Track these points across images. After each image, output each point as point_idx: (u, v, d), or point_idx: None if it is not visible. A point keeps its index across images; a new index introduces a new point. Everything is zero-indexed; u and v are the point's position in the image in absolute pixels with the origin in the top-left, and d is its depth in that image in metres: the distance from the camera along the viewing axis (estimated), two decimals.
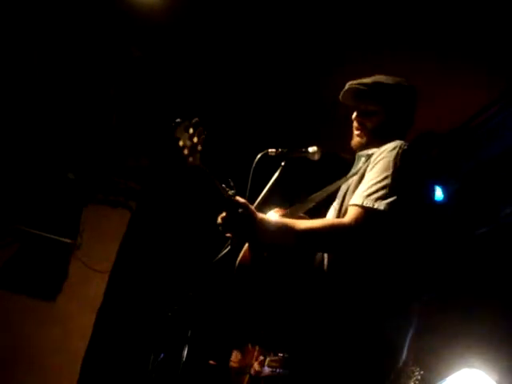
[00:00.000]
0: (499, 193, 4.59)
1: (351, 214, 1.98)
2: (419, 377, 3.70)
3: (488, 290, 4.49)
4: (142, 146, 5.94)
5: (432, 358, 4.17)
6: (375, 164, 2.09)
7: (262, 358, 4.28)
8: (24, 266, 5.68)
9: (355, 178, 2.17)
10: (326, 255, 2.10)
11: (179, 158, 1.91)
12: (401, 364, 2.03)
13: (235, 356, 4.77)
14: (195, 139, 1.95)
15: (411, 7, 3.77)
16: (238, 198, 1.99)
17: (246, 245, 2.18)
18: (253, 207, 2.02)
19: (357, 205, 1.98)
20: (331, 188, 2.31)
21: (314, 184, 2.47)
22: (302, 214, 2.28)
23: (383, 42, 4.13)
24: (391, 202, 1.96)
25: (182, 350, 3.27)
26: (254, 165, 2.41)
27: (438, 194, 4.95)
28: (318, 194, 2.30)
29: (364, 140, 2.38)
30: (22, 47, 4.74)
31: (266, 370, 4.09)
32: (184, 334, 3.33)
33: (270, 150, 2.45)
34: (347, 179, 2.27)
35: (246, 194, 2.25)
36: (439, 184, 4.98)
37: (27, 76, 5.07)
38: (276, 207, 2.26)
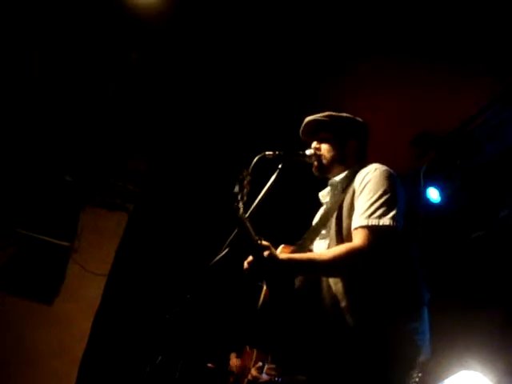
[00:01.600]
0: (496, 195, 4.60)
1: (360, 236, 2.08)
2: (417, 379, 3.69)
3: (486, 293, 4.49)
4: (140, 149, 5.95)
5: (430, 360, 4.17)
6: (364, 187, 2.20)
7: (260, 364, 4.28)
8: (21, 268, 5.68)
9: (344, 204, 2.25)
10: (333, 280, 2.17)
11: (232, 206, 2.04)
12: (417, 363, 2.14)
13: (234, 358, 4.77)
14: (245, 190, 2.11)
15: (410, 10, 3.78)
16: (263, 242, 2.09)
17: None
18: (275, 251, 2.12)
19: (363, 226, 2.09)
20: (321, 222, 2.39)
21: (311, 186, 2.47)
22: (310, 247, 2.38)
23: (381, 46, 4.14)
24: (394, 216, 2.09)
25: (180, 352, 3.27)
26: (251, 167, 2.41)
27: (435, 196, 4.96)
28: (312, 228, 2.41)
29: (325, 167, 2.51)
30: (21, 49, 4.74)
31: (265, 376, 4.09)
32: (182, 336, 3.32)
33: (267, 153, 2.45)
34: (332, 207, 2.34)
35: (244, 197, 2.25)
36: (437, 186, 4.99)
37: (25, 78, 5.06)
38: (282, 244, 2.40)
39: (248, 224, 2.08)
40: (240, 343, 4.82)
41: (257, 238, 2.08)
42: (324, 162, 2.51)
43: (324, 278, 2.19)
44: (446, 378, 4.09)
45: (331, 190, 2.49)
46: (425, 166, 5.02)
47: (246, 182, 2.11)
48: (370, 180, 2.21)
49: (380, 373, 2.02)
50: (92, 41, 4.58)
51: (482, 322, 4.25)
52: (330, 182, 2.49)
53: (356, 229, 2.11)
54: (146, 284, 5.80)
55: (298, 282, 2.21)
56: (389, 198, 2.14)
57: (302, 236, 2.44)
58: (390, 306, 2.08)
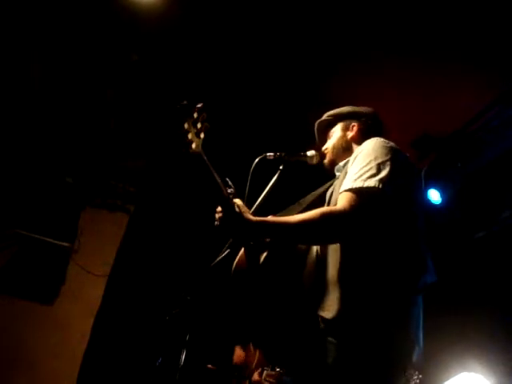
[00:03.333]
0: (498, 196, 4.59)
1: (342, 199, 1.94)
2: (418, 381, 3.68)
3: (487, 294, 4.49)
4: (140, 150, 5.94)
5: (431, 361, 4.17)
6: (355, 157, 2.11)
7: (260, 369, 4.29)
8: (22, 269, 5.67)
9: (340, 178, 2.18)
10: (321, 255, 2.06)
11: (182, 143, 1.91)
12: (414, 361, 1.92)
13: (238, 351, 4.78)
14: (199, 125, 1.99)
15: (411, 12, 3.78)
16: (235, 199, 2.00)
17: (242, 250, 2.17)
18: (246, 208, 2.02)
19: (347, 190, 1.96)
20: (320, 190, 2.33)
21: (311, 188, 2.47)
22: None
23: (383, 48, 4.14)
24: (382, 178, 1.94)
25: (180, 354, 3.26)
26: (252, 169, 2.41)
27: (437, 197, 4.96)
28: (308, 197, 2.31)
29: (330, 157, 2.50)
30: (20, 51, 4.74)
31: (264, 383, 4.10)
32: (182, 338, 3.32)
33: (268, 154, 2.45)
34: (333, 182, 2.29)
35: (244, 198, 2.25)
36: (438, 188, 4.99)
37: (25, 80, 5.06)
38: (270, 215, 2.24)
39: (212, 169, 1.97)
40: (244, 340, 4.82)
41: (228, 189, 2.00)
42: (328, 154, 2.51)
43: (313, 250, 2.08)
44: (447, 379, 4.09)
45: (336, 171, 2.45)
46: (426, 168, 5.01)
47: (200, 120, 1.98)
48: (363, 149, 2.11)
49: (365, 368, 1.84)
50: (91, 42, 4.57)
51: (483, 323, 4.25)
52: (337, 167, 2.45)
53: (341, 193, 1.98)
54: (147, 285, 5.80)
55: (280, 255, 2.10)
56: (380, 162, 2.00)
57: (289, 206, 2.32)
58: (377, 280, 1.90)
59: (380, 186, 1.91)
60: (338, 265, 1.96)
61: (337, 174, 2.42)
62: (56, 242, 5.70)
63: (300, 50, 4.38)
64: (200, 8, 4.14)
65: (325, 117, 2.61)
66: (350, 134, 2.49)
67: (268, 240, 2.12)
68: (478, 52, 3.95)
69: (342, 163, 2.41)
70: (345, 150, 2.46)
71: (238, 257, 2.20)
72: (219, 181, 1.96)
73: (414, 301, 1.97)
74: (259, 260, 2.10)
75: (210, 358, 4.90)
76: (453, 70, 4.18)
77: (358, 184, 1.93)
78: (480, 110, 4.46)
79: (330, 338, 1.88)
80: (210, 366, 4.77)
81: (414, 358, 1.92)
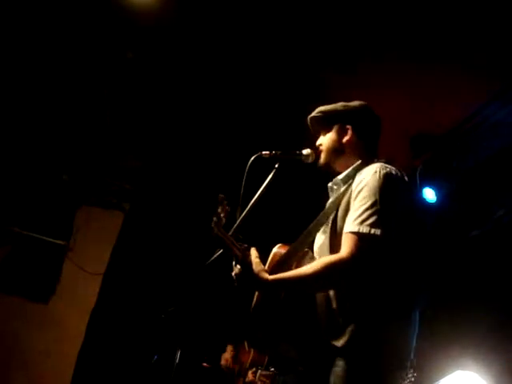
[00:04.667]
0: (492, 195, 4.60)
1: (349, 243, 2.02)
2: (413, 379, 3.69)
3: (482, 292, 4.50)
4: (135, 148, 5.93)
5: (426, 360, 4.18)
6: (360, 190, 2.13)
7: (254, 369, 4.30)
8: (17, 267, 5.67)
9: (342, 203, 2.21)
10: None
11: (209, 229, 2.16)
12: (408, 364, 2.10)
13: (228, 353, 4.77)
14: (221, 213, 2.20)
15: (408, 11, 3.78)
16: (251, 259, 2.13)
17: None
18: (261, 264, 2.14)
19: (353, 232, 2.03)
20: (323, 218, 2.35)
21: (308, 187, 2.47)
22: (306, 249, 2.34)
23: (381, 46, 4.14)
24: (386, 226, 2.02)
25: (176, 352, 3.27)
26: (247, 167, 2.41)
27: (431, 196, 4.96)
28: (313, 225, 2.33)
29: (324, 159, 2.49)
30: (16, 49, 4.73)
31: (258, 382, 4.12)
32: (177, 336, 3.32)
33: (263, 153, 2.45)
34: (332, 205, 2.31)
35: (239, 196, 2.25)
36: (432, 186, 5.00)
37: (20, 78, 5.05)
38: (279, 243, 2.37)
39: (229, 241, 2.16)
40: (239, 339, 4.83)
41: (241, 251, 2.14)
42: (322, 155, 2.48)
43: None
44: (442, 378, 4.09)
45: (334, 186, 2.45)
46: (420, 167, 5.02)
47: (223, 206, 2.20)
48: (367, 184, 2.13)
49: (368, 374, 2.01)
50: (87, 40, 4.57)
51: (478, 321, 4.26)
52: (334, 180, 2.44)
53: (346, 233, 2.06)
54: (142, 283, 5.80)
55: None
56: (384, 206, 2.05)
57: (302, 231, 2.37)
58: (379, 308, 2.05)
59: (381, 231, 2.01)
60: (343, 298, 2.10)
61: (334, 186, 2.43)
62: (51, 239, 5.70)
63: (297, 49, 4.38)
64: (195, 5, 4.14)
65: (317, 113, 2.57)
66: (344, 138, 2.45)
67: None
68: (472, 51, 3.96)
69: (340, 177, 2.39)
70: (339, 153, 2.45)
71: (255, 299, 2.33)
72: (236, 251, 2.15)
73: (410, 323, 2.14)
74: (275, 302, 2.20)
75: (205, 356, 4.91)
76: (448, 69, 4.19)
77: (364, 229, 2.01)
78: (475, 109, 4.47)
79: (338, 359, 2.04)
80: (204, 364, 4.77)
81: (408, 365, 2.11)
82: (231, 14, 4.14)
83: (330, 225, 2.24)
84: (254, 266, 2.10)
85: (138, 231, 6.05)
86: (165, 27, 4.38)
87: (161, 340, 3.14)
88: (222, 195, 2.20)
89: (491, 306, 4.36)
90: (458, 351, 4.23)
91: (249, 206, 2.27)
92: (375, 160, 2.30)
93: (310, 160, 2.52)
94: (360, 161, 2.36)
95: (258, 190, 2.37)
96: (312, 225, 2.33)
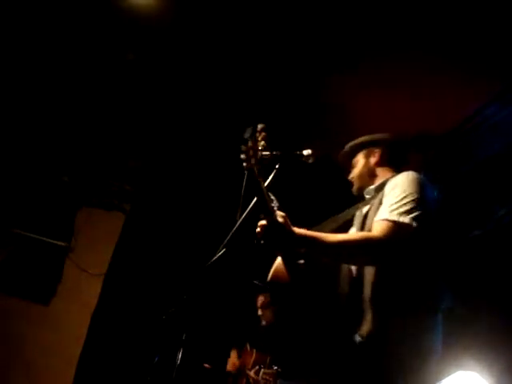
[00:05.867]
0: (494, 194, 4.60)
1: (379, 227, 2.14)
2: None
3: (483, 292, 4.50)
4: (136, 149, 5.94)
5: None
6: (393, 188, 2.30)
7: (257, 367, 4.31)
8: (18, 268, 5.67)
9: (374, 203, 2.36)
10: (357, 275, 2.24)
11: (242, 160, 2.12)
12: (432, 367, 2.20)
13: (233, 356, 4.78)
14: (258, 144, 2.20)
15: (409, 11, 3.78)
16: (279, 212, 2.14)
17: (278, 261, 2.35)
18: (289, 221, 2.15)
19: (383, 219, 2.15)
20: (352, 211, 2.51)
21: (308, 187, 2.48)
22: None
23: (380, 45, 4.14)
24: (416, 216, 2.15)
25: (177, 353, 3.27)
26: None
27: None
28: (341, 215, 2.49)
29: (357, 185, 2.69)
30: (17, 51, 4.73)
31: (261, 381, 4.13)
32: (179, 337, 3.32)
33: (264, 153, 2.44)
34: (363, 206, 2.48)
35: (240, 197, 2.25)
36: (434, 186, 4.99)
37: (21, 79, 5.05)
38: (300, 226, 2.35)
39: (264, 186, 2.13)
40: (241, 341, 4.83)
41: (272, 202, 2.13)
42: (355, 183, 2.70)
43: (345, 268, 2.25)
44: (443, 378, 4.09)
45: (366, 194, 2.61)
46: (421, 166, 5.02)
47: (260, 140, 2.20)
48: (399, 182, 2.31)
49: (394, 369, 2.05)
50: (88, 41, 4.57)
51: (479, 321, 4.25)
52: (366, 190, 2.61)
53: (377, 221, 2.17)
54: (143, 284, 5.80)
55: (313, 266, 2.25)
56: (415, 199, 2.20)
57: (321, 222, 2.48)
58: (408, 303, 2.12)
59: (413, 224, 2.13)
60: (372, 287, 2.16)
61: (366, 196, 2.60)
62: (52, 241, 5.70)
63: (298, 50, 4.38)
64: (196, 6, 4.14)
65: (347, 148, 2.77)
66: (372, 160, 2.67)
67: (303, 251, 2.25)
68: (473, 51, 3.96)
69: (372, 187, 2.59)
70: (370, 175, 2.65)
71: (274, 267, 2.38)
72: (266, 195, 2.13)
73: (436, 320, 2.22)
74: (298, 269, 2.24)
75: (207, 356, 4.91)
76: (449, 69, 4.18)
77: (394, 217, 2.13)
78: (476, 108, 4.47)
79: (363, 350, 2.09)
80: (206, 364, 4.78)
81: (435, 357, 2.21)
82: (231, 14, 4.14)
83: (359, 224, 2.39)
84: (283, 218, 2.10)
85: (139, 232, 6.05)
86: (165, 28, 4.38)
87: (162, 341, 3.14)
88: (260, 126, 2.23)
89: (492, 306, 4.35)
90: (460, 351, 4.22)
91: (249, 207, 2.27)
92: (404, 170, 2.46)
93: (311, 160, 2.53)
94: (389, 174, 2.55)
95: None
96: (340, 215, 2.50)
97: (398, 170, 2.57)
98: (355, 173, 2.71)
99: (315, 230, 2.31)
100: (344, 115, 4.81)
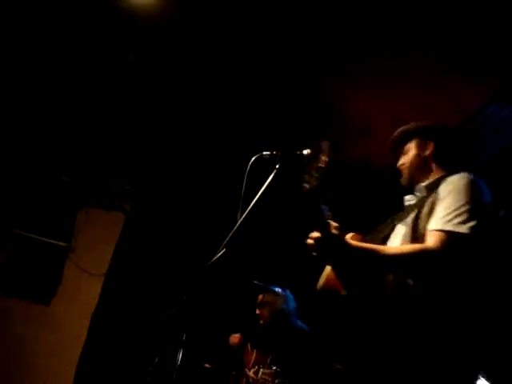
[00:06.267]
0: (495, 195, 4.59)
1: (434, 238, 2.10)
2: None
3: (485, 292, 4.48)
4: (136, 149, 5.94)
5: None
6: (447, 193, 2.23)
7: (256, 367, 4.31)
8: (18, 269, 5.67)
9: (426, 205, 2.28)
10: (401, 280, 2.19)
11: (301, 182, 2.11)
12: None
13: (233, 337, 4.78)
14: (317, 166, 2.15)
15: (408, 11, 3.77)
16: (333, 223, 2.13)
17: (327, 271, 2.35)
18: (343, 232, 2.17)
19: (438, 230, 2.11)
20: (397, 218, 2.45)
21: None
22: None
23: (381, 45, 4.13)
24: (472, 226, 2.11)
25: (177, 353, 3.27)
26: (248, 167, 2.40)
27: None
28: (388, 223, 2.45)
29: (407, 175, 2.59)
30: (16, 52, 4.73)
31: (260, 381, 4.13)
32: (179, 337, 3.33)
33: (264, 153, 2.44)
34: (414, 206, 2.39)
35: (240, 197, 2.25)
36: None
37: (21, 79, 5.05)
38: (351, 232, 2.39)
39: (320, 198, 2.11)
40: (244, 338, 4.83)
41: (326, 213, 2.12)
42: (405, 172, 2.59)
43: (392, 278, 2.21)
44: None
45: (416, 192, 2.51)
46: None
47: (320, 156, 2.14)
48: (454, 188, 2.23)
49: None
50: (88, 41, 4.56)
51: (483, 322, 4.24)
52: (417, 187, 2.51)
53: (431, 231, 2.13)
54: (143, 284, 5.80)
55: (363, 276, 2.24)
56: (471, 208, 2.15)
57: (375, 227, 2.48)
58: (456, 315, 2.11)
59: (470, 234, 2.09)
60: (423, 293, 2.12)
61: (416, 194, 2.50)
62: (52, 241, 5.70)
63: (297, 50, 4.37)
64: (197, 6, 4.13)
65: (397, 133, 2.67)
66: (426, 153, 2.56)
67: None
68: (475, 50, 3.95)
69: (423, 184, 2.48)
70: (421, 168, 2.55)
71: (324, 276, 2.38)
72: (323, 212, 2.11)
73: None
74: (349, 278, 2.24)
75: (207, 357, 4.90)
76: (450, 68, 4.18)
77: (450, 227, 2.09)
78: (476, 108, 4.46)
79: (412, 353, 2.06)
80: (206, 365, 4.77)
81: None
82: (231, 15, 4.14)
83: (411, 224, 2.30)
84: (337, 232, 2.11)
85: (140, 232, 6.05)
86: (165, 28, 4.37)
87: (162, 341, 3.14)
88: (326, 141, 2.18)
89: (494, 305, 4.34)
90: None
91: (250, 207, 2.27)
92: (460, 170, 2.37)
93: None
94: (443, 173, 2.45)
95: (259, 190, 2.37)
96: (389, 222, 2.45)
97: (450, 167, 2.49)
98: (406, 161, 2.61)
99: (365, 241, 2.33)
100: (345, 116, 4.81)
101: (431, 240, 2.10)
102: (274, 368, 4.19)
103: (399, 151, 2.67)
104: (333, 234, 2.06)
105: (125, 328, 5.65)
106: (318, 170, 2.12)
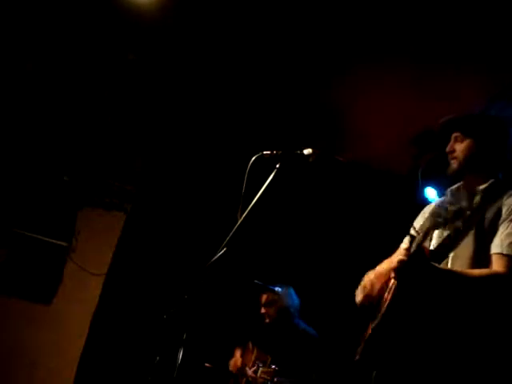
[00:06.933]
0: None
1: (502, 263, 2.12)
2: None
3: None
4: (137, 148, 5.94)
5: None
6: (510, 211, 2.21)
7: (256, 366, 4.31)
8: (19, 268, 5.66)
9: (487, 219, 2.24)
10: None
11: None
12: None
13: (237, 356, 4.79)
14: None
15: (410, 11, 3.78)
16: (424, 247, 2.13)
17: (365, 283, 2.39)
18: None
19: (506, 255, 2.12)
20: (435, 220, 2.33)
21: (308, 186, 2.48)
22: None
23: (381, 46, 4.14)
24: None
25: (178, 352, 3.27)
26: (248, 167, 2.41)
27: (433, 196, 4.95)
28: (429, 222, 2.32)
29: (458, 166, 2.47)
30: (16, 49, 4.73)
31: (259, 380, 4.14)
32: (180, 336, 3.32)
33: (264, 152, 2.45)
34: (462, 212, 2.22)
35: (241, 196, 2.26)
36: (434, 186, 4.98)
37: (22, 79, 5.05)
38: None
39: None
40: (244, 339, 4.84)
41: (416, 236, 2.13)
42: (456, 162, 2.48)
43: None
44: None
45: (469, 194, 2.34)
46: (423, 166, 5.01)
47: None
48: None
49: None
50: (88, 41, 4.57)
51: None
52: (477, 188, 2.37)
53: (498, 254, 2.14)
54: (144, 284, 5.80)
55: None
56: None
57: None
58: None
59: None
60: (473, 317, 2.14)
61: (470, 196, 2.34)
62: (53, 240, 5.69)
63: (297, 50, 4.38)
64: (197, 7, 4.14)
65: (456, 116, 2.56)
66: (482, 152, 2.43)
67: None
68: (478, 48, 3.95)
69: (481, 187, 2.35)
70: (471, 165, 2.44)
71: (362, 290, 2.42)
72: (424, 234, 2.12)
73: None
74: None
75: (208, 356, 4.90)
76: (453, 66, 4.18)
77: None
78: (476, 107, 4.46)
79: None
80: (207, 364, 4.78)
81: None
82: (232, 14, 4.14)
83: (473, 235, 2.24)
84: (426, 252, 2.10)
85: (140, 232, 6.05)
86: (165, 28, 4.38)
87: (163, 340, 3.14)
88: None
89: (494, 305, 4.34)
90: None
91: (250, 206, 2.28)
92: None
93: (311, 160, 2.52)
94: (495, 179, 2.38)
95: (260, 189, 2.37)
96: (431, 219, 2.32)
97: (502, 171, 2.45)
98: (460, 152, 2.46)
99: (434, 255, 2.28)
100: (344, 115, 4.81)
101: (498, 265, 2.13)
102: (273, 367, 4.20)
103: (448, 134, 2.56)
104: (425, 258, 2.08)
105: (126, 327, 5.65)
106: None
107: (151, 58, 4.73)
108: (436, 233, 2.36)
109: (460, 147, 2.47)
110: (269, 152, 2.46)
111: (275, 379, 4.13)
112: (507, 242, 2.14)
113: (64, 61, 4.81)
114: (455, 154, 2.48)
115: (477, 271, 2.16)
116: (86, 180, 5.96)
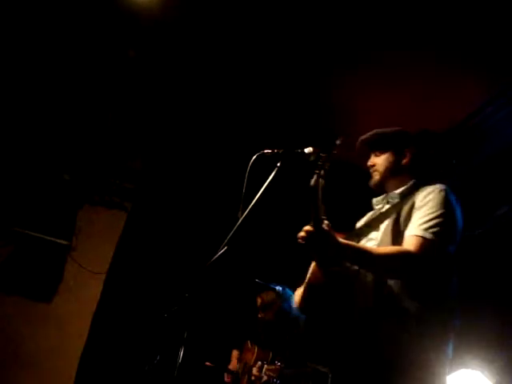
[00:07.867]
0: (494, 193, 4.59)
1: (413, 243, 2.20)
2: None
3: (484, 291, 4.49)
4: (137, 147, 5.94)
5: None
6: (425, 202, 2.32)
7: (260, 363, 4.31)
8: (19, 267, 5.66)
9: (402, 212, 2.38)
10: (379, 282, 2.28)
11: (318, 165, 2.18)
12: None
13: (234, 357, 4.79)
14: (323, 165, 2.20)
15: (410, 8, 3.77)
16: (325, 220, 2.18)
17: (312, 267, 2.43)
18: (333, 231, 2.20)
19: (418, 236, 2.21)
20: (368, 223, 2.56)
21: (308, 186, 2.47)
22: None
23: (382, 44, 4.14)
24: (447, 238, 2.26)
25: (179, 351, 3.27)
26: (249, 165, 2.41)
27: None
28: (359, 229, 2.56)
29: (379, 179, 2.63)
30: (17, 48, 4.73)
31: (264, 377, 4.13)
32: (180, 335, 3.33)
33: (265, 151, 2.45)
34: (384, 215, 2.49)
35: (241, 195, 2.25)
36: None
37: (22, 78, 5.05)
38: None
39: (321, 195, 2.14)
40: (241, 339, 4.84)
41: (323, 212, 2.16)
42: (377, 175, 2.63)
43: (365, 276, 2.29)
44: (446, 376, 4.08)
45: (389, 199, 2.57)
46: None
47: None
48: (433, 198, 2.33)
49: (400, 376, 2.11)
50: (89, 39, 4.57)
51: (482, 320, 4.25)
52: (390, 194, 2.57)
53: (411, 236, 2.22)
54: (145, 282, 5.80)
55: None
56: (447, 221, 2.27)
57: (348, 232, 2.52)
58: (423, 317, 2.18)
59: (445, 244, 2.26)
60: (396, 297, 2.22)
61: (389, 199, 2.57)
62: (53, 239, 5.69)
63: (297, 49, 4.38)
64: (197, 4, 4.13)
65: (372, 135, 2.69)
66: (403, 161, 2.62)
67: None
68: (477, 47, 3.95)
69: (396, 192, 2.55)
70: (394, 175, 2.61)
71: (310, 271, 2.45)
72: (321, 206, 2.14)
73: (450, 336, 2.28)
74: (331, 275, 2.35)
75: (208, 355, 4.91)
76: (452, 65, 4.18)
77: (429, 236, 2.19)
78: (476, 107, 4.46)
79: (381, 354, 2.17)
80: (208, 363, 4.78)
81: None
82: (233, 12, 4.14)
83: (386, 232, 2.39)
84: (328, 229, 2.14)
85: (141, 230, 6.05)
86: (166, 26, 4.38)
87: (163, 339, 3.14)
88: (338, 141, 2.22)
89: (495, 304, 4.35)
90: (462, 350, 4.23)
91: (251, 205, 2.27)
92: (435, 181, 2.48)
93: (312, 158, 2.52)
94: (414, 181, 2.55)
95: (260, 188, 2.37)
96: (360, 227, 2.57)
97: (423, 176, 2.59)
98: (380, 165, 2.63)
99: (349, 237, 2.38)
100: (344, 114, 4.81)
101: (409, 244, 2.19)
102: (278, 363, 4.20)
103: (369, 152, 2.71)
104: (325, 231, 2.09)
105: (126, 326, 5.66)
106: (326, 168, 2.19)
107: (152, 56, 4.73)
108: (362, 241, 2.52)
109: (379, 160, 2.63)
110: (270, 150, 2.45)
111: (284, 371, 4.13)
112: (418, 224, 2.23)
113: (64, 59, 4.81)
114: (376, 168, 2.64)
115: (385, 248, 2.27)
116: (87, 178, 5.96)
